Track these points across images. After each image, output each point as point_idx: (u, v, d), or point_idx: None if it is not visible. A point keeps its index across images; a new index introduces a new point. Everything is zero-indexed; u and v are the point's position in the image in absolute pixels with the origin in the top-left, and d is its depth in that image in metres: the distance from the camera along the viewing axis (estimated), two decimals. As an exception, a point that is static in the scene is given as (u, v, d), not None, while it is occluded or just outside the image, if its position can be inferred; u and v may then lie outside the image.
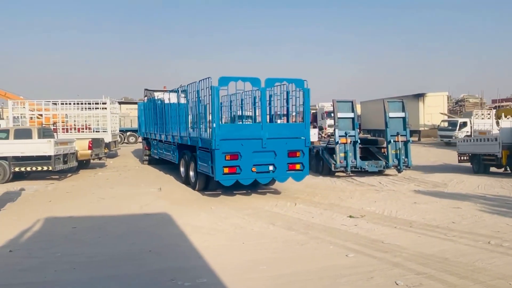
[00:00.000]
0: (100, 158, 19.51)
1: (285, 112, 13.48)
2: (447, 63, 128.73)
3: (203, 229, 8.35)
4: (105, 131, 21.70)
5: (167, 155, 16.91)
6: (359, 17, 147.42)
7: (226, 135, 11.16)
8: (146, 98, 22.56)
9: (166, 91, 18.78)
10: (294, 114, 13.21)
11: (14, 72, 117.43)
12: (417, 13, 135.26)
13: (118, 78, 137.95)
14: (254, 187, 12.68)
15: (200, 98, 12.32)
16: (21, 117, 21.86)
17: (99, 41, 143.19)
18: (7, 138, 15.74)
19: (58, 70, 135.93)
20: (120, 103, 33.37)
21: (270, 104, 12.73)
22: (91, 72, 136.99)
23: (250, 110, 14.28)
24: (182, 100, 14.77)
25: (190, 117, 13.88)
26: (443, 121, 32.84)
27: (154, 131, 18.94)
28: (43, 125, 19.37)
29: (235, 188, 12.10)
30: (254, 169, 11.38)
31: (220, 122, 11.72)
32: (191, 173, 13.38)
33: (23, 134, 15.99)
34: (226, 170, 11.12)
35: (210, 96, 11.27)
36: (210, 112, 11.58)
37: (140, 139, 29.79)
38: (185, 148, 14.13)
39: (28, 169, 15.12)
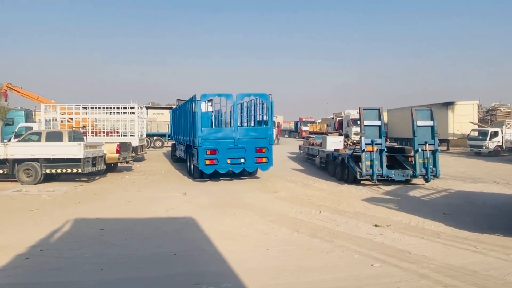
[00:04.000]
0: (127, 162, 19.88)
1: (259, 119, 17.15)
2: (478, 71, 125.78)
3: (228, 234, 8.39)
4: (132, 135, 22.08)
5: (181, 153, 21.09)
6: (386, 23, 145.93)
7: (207, 136, 15.39)
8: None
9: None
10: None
11: (46, 77, 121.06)
12: (448, 20, 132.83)
13: (147, 83, 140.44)
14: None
15: (191, 109, 16.60)
16: (53, 120, 22.44)
17: (128, 48, 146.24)
18: (39, 140, 16.25)
19: (88, 75, 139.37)
20: (147, 108, 33.90)
21: (241, 112, 17.41)
22: (119, 77, 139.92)
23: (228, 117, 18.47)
24: (186, 110, 18.92)
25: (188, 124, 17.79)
26: (473, 130, 31.99)
27: (176, 135, 23.75)
28: (73, 129, 19.87)
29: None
30: (229, 161, 15.40)
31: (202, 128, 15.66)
32: (191, 166, 17.16)
33: (54, 137, 16.47)
34: (207, 162, 15.26)
35: (193, 109, 15.66)
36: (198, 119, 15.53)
37: (165, 144, 32.86)
38: (189, 147, 17.88)
39: (59, 171, 15.53)
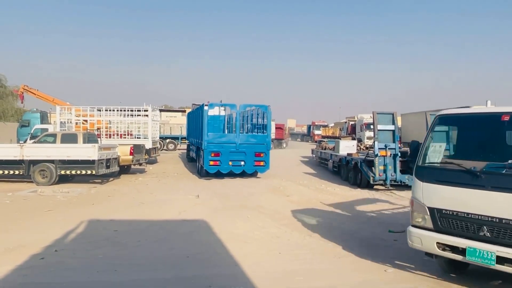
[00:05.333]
0: (140, 164, 20.01)
1: (259, 127, 19.00)
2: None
3: (240, 237, 8.39)
4: (146, 138, 22.24)
5: (193, 154, 23.21)
6: (423, 25, 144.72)
7: (212, 140, 17.43)
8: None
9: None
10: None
11: (61, 79, 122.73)
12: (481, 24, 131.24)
13: (160, 86, 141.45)
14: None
15: (200, 116, 18.68)
16: (68, 122, 22.72)
17: (143, 52, 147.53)
18: (54, 142, 16.42)
19: (103, 78, 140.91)
20: (160, 110, 34.13)
21: (244, 120, 19.60)
22: (134, 80, 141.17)
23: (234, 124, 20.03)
24: (197, 116, 20.85)
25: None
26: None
27: (189, 137, 26.31)
28: (88, 131, 20.08)
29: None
30: (230, 163, 17.37)
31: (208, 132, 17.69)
32: (199, 166, 19.11)
33: (69, 138, 16.63)
34: (211, 162, 17.34)
35: (202, 115, 17.95)
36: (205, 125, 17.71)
37: (178, 146, 33.71)
38: (198, 149, 19.81)
39: (73, 172, 15.70)
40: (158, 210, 11.20)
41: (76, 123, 22.67)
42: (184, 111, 43.41)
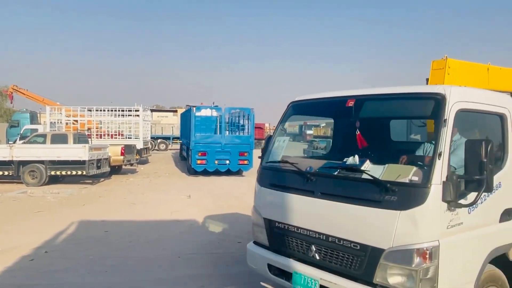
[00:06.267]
0: (131, 164, 19.91)
1: (242, 128, 20.55)
2: None
3: (231, 237, 8.37)
4: (137, 138, 22.13)
5: (184, 153, 24.73)
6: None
7: (199, 141, 18.71)
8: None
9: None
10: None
11: (50, 78, 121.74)
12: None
13: (151, 86, 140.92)
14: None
15: (189, 118, 20.01)
16: (58, 122, 22.52)
17: (133, 50, 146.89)
18: (44, 142, 16.28)
19: (94, 77, 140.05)
20: (152, 110, 34.02)
21: (228, 122, 20.71)
22: (125, 79, 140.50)
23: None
24: (187, 117, 22.09)
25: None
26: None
27: (182, 137, 27.47)
28: (78, 131, 19.94)
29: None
30: (216, 162, 18.72)
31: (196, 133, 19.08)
32: (188, 164, 20.07)
33: (59, 139, 16.49)
34: (198, 161, 18.60)
35: (190, 117, 19.54)
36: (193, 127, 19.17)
37: (170, 147, 33.89)
38: (188, 149, 20.91)
39: (63, 173, 15.57)
40: (150, 210, 11.15)
41: (67, 123, 22.49)
42: (176, 111, 43.32)
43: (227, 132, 20.02)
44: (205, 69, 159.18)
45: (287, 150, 4.99)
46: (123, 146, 18.61)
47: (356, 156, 4.02)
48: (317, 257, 3.96)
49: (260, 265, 4.56)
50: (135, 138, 22.20)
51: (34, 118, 28.95)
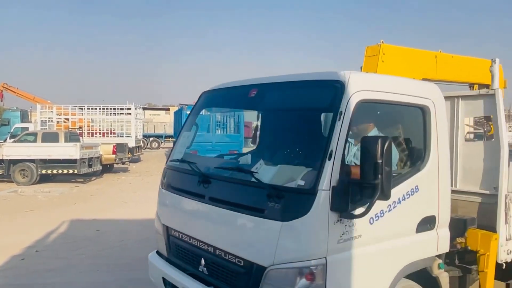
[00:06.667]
0: (123, 163, 19.85)
1: (232, 127, 20.72)
2: None
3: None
4: (129, 136, 22.07)
5: None
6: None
7: None
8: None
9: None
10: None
11: (40, 77, 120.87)
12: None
13: (144, 84, 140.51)
14: None
15: (181, 116, 19.87)
16: (49, 121, 22.38)
17: (125, 48, 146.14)
18: (35, 141, 16.19)
19: (85, 76, 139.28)
20: (144, 109, 33.92)
21: (219, 121, 20.26)
22: (116, 78, 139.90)
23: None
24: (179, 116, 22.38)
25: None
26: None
27: (175, 135, 25.96)
28: (70, 129, 19.83)
29: None
30: None
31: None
32: None
33: (50, 137, 16.42)
34: None
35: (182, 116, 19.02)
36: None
37: (162, 145, 34.09)
38: None
39: (55, 171, 15.48)
40: (142, 209, 11.10)
41: (58, 122, 22.36)
42: (168, 110, 43.23)
43: (218, 130, 20.33)
44: (200, 68, 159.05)
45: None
46: (115, 144, 18.55)
47: (249, 155, 3.67)
48: (206, 272, 3.41)
49: (157, 278, 3.96)
50: (127, 136, 22.15)
51: (24, 117, 28.72)
